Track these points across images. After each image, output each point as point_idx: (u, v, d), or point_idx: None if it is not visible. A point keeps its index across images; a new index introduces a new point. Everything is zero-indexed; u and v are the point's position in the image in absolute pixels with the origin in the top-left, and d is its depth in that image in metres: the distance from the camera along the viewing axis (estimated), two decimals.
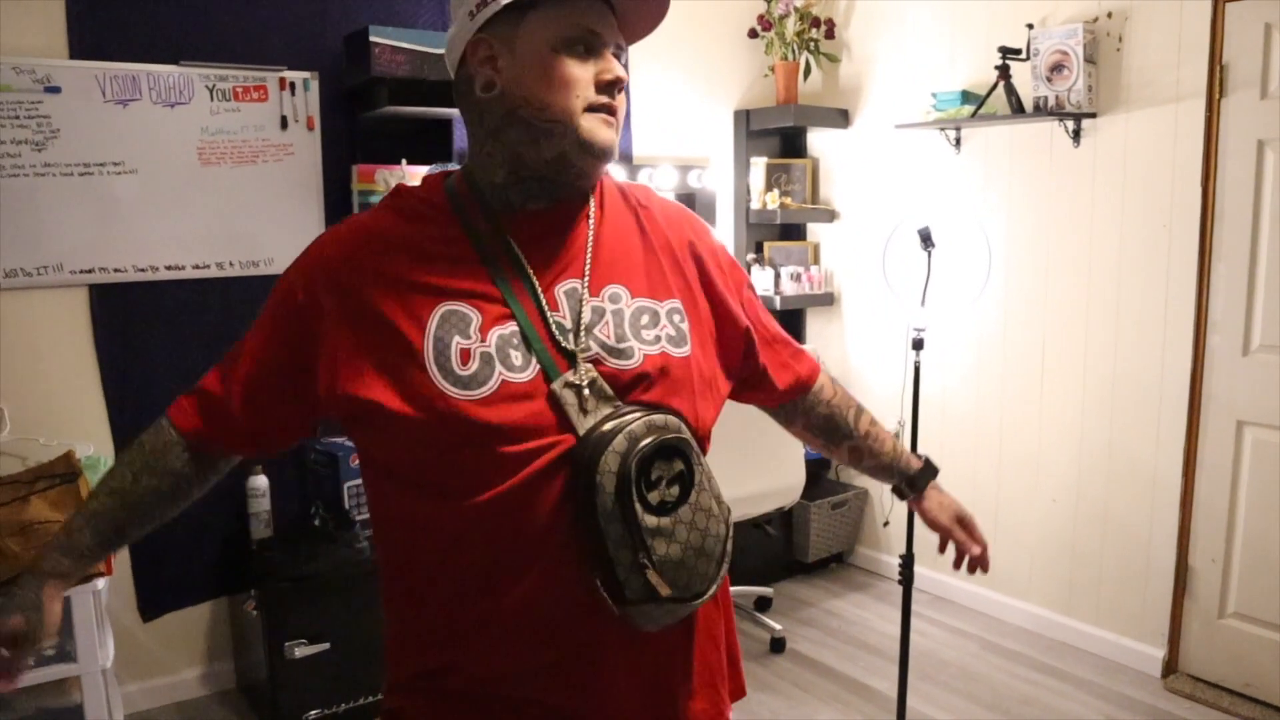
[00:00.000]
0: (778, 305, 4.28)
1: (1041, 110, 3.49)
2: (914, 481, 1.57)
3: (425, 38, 3.20)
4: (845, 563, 4.53)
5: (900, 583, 2.80)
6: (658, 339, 1.22)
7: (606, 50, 1.21)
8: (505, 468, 1.13)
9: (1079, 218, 3.56)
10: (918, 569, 2.98)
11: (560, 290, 1.21)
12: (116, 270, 3.09)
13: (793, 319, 4.59)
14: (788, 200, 4.34)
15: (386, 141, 3.41)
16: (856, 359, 4.42)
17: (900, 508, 4.18)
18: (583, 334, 1.19)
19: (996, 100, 3.62)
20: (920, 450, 3.47)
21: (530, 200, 1.24)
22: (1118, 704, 3.29)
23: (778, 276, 4.32)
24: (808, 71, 4.28)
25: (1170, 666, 3.45)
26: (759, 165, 4.37)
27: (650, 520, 1.13)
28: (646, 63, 4.07)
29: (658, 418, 1.17)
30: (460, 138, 3.58)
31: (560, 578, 1.16)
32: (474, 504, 1.13)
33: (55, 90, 2.94)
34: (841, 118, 4.30)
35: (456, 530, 1.16)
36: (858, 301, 4.40)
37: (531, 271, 1.21)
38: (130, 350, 3.14)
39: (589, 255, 1.24)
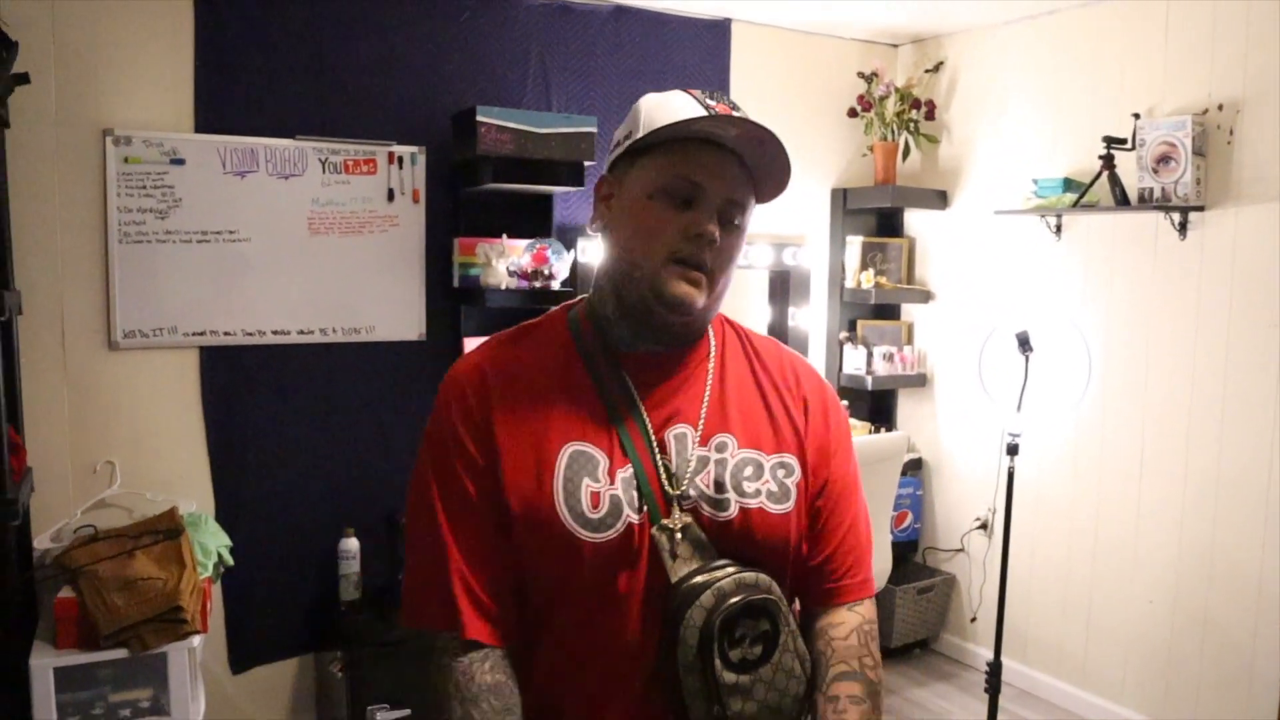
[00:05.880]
0: (869, 385, 4.24)
1: (1146, 202, 3.42)
2: None
3: (529, 118, 3.28)
4: (930, 649, 4.42)
5: (986, 691, 2.73)
6: (758, 493, 1.22)
7: (708, 203, 1.18)
8: (600, 601, 1.17)
9: (1184, 312, 3.47)
10: (1007, 662, 2.88)
11: (671, 434, 1.22)
12: (226, 334, 3.21)
13: (884, 399, 4.55)
14: (883, 280, 4.32)
15: (488, 215, 3.51)
16: (949, 443, 4.35)
17: (989, 602, 4.07)
18: (685, 481, 1.20)
19: (1099, 189, 3.57)
20: (1011, 543, 3.41)
21: (641, 341, 1.25)
22: None
23: (870, 356, 4.29)
24: (907, 152, 4.28)
25: None
26: (855, 244, 4.37)
27: (729, 677, 1.13)
28: None
29: (749, 575, 1.17)
30: (560, 214, 3.67)
31: (643, 714, 1.18)
32: (570, 634, 1.19)
33: (180, 162, 3.10)
34: (940, 199, 4.28)
35: (556, 651, 1.20)
36: (951, 385, 4.33)
37: (646, 415, 1.22)
38: (234, 411, 3.25)
39: (705, 403, 1.25)
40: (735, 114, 1.17)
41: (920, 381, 4.41)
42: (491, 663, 1.16)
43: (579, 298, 1.35)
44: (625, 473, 1.18)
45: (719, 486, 1.21)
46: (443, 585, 1.17)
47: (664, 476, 1.19)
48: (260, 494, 3.31)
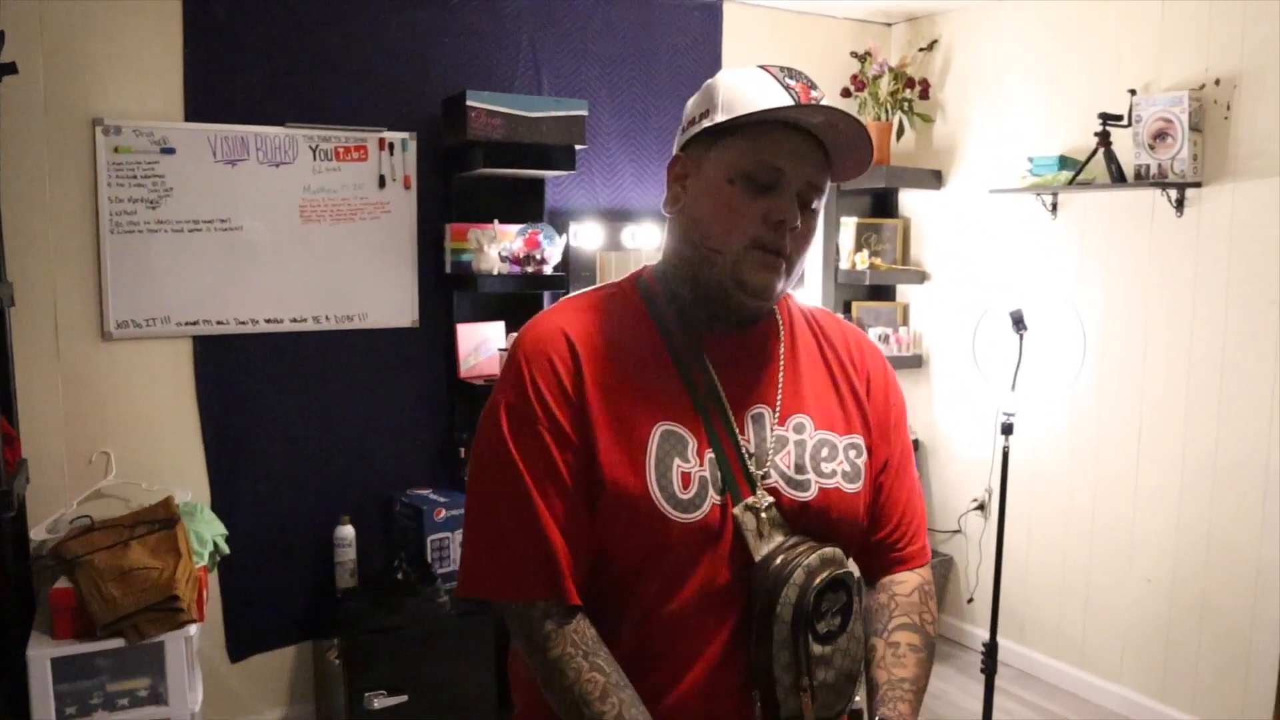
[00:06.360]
0: None
1: (1143, 179, 3.41)
2: None
3: (520, 102, 3.27)
4: None
5: (983, 671, 2.73)
6: (834, 473, 1.25)
7: (788, 188, 1.19)
8: (683, 579, 1.18)
9: (1181, 290, 3.45)
10: (1005, 642, 2.89)
11: (749, 415, 1.24)
12: (219, 323, 3.21)
13: None
14: (877, 261, 4.30)
15: (480, 201, 3.49)
16: (945, 424, 4.35)
17: (986, 583, 4.07)
18: (766, 461, 1.22)
19: (1095, 167, 3.55)
20: (1008, 524, 3.41)
21: (716, 322, 1.26)
22: None
23: None
24: (901, 132, 4.26)
25: None
26: (849, 225, 4.35)
27: (817, 649, 1.17)
28: None
29: (829, 551, 1.20)
30: (552, 198, 3.65)
31: (720, 686, 1.20)
32: (649, 609, 1.19)
33: (170, 151, 3.08)
34: (934, 179, 4.26)
35: (635, 626, 1.21)
36: (947, 366, 4.33)
37: (725, 396, 1.24)
38: (228, 400, 3.25)
39: (780, 383, 1.27)
40: (815, 95, 1.19)
41: (916, 363, 4.40)
42: (588, 622, 1.19)
43: (643, 266, 1.34)
44: (711, 454, 1.20)
45: (799, 468, 1.24)
46: (542, 556, 1.17)
47: (746, 457, 1.21)
48: (255, 482, 3.30)
